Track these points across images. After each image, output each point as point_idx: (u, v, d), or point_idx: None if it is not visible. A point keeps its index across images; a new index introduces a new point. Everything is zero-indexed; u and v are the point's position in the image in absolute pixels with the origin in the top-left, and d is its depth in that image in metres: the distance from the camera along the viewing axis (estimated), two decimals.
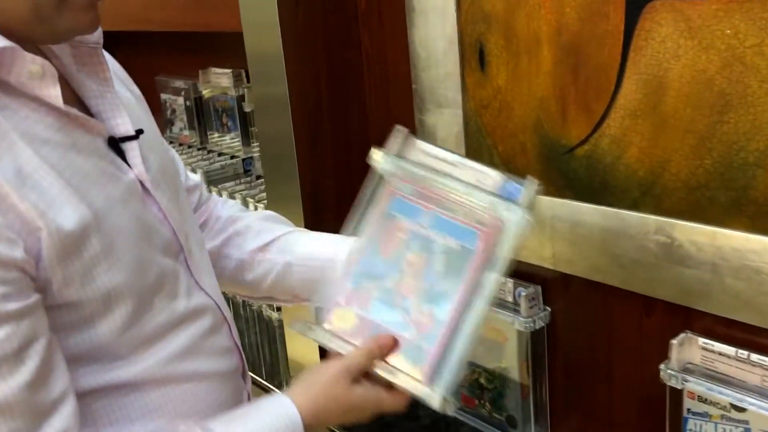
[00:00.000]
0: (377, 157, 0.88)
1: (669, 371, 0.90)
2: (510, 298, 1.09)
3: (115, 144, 0.76)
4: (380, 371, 0.80)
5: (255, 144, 1.89)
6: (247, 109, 1.85)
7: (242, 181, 1.84)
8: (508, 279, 1.08)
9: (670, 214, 0.89)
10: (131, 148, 0.78)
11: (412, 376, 0.79)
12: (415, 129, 1.18)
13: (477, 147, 1.10)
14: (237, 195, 1.72)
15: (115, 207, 0.72)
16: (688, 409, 0.90)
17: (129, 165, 0.77)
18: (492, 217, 0.81)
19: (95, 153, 0.73)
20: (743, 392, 0.85)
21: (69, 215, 0.67)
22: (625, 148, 0.91)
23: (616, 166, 0.93)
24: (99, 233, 0.70)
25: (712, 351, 0.89)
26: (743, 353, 0.86)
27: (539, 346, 1.10)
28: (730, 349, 0.87)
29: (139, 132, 0.79)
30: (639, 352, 1.00)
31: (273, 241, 0.98)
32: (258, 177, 1.85)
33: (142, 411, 0.76)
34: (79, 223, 0.68)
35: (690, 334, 0.91)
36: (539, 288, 1.07)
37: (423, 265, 0.83)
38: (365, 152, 1.31)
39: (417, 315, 0.82)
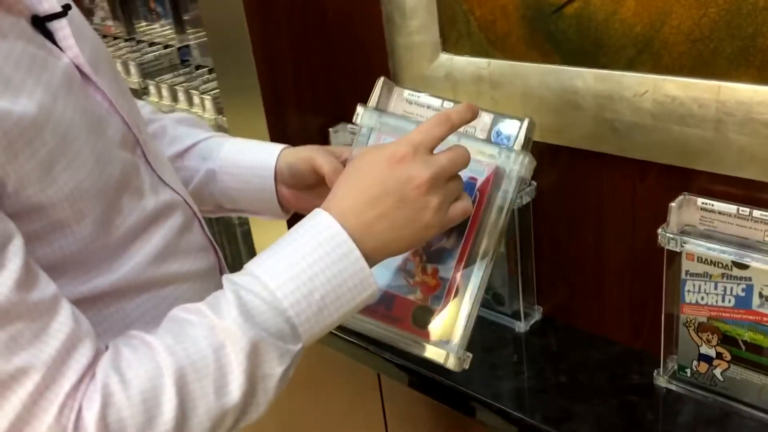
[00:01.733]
0: (359, 111, 0.83)
1: (668, 234, 0.88)
2: None
3: (41, 24, 0.66)
4: (389, 339, 0.79)
5: (191, 31, 1.75)
6: None
7: (180, 72, 1.71)
8: None
9: (670, 72, 0.84)
10: (60, 28, 0.68)
11: (423, 339, 0.77)
12: (380, 0, 1.08)
13: (451, 14, 1.02)
14: (179, 88, 1.60)
15: (58, 97, 0.63)
16: (687, 271, 0.89)
17: (60, 48, 0.67)
18: (488, 166, 0.76)
19: (21, 36, 0.63)
20: (745, 249, 0.84)
21: (7, 108, 0.58)
22: (621, 1, 0.85)
23: (611, 23, 0.87)
24: (49, 126, 0.61)
25: (712, 211, 0.87)
26: (745, 210, 0.84)
27: (525, 222, 1.06)
28: (731, 207, 0.85)
29: (67, 8, 0.69)
30: (632, 219, 0.97)
31: (193, 146, 0.91)
32: (198, 67, 1.72)
33: (124, 322, 0.70)
34: (21, 116, 0.58)
35: (688, 196, 0.88)
36: None
37: None
38: (325, 33, 1.22)
39: (421, 276, 0.80)
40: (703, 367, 0.93)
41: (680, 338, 0.93)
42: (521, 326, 1.12)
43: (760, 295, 0.84)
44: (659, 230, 0.89)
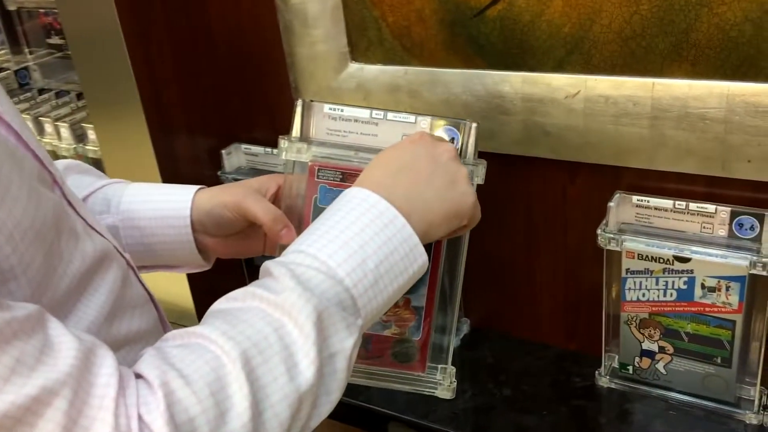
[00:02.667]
0: (282, 146, 0.77)
1: (608, 234, 0.87)
2: None
3: None
4: (375, 380, 0.75)
5: (28, 50, 1.56)
6: (10, 6, 1.51)
7: (21, 98, 1.52)
8: None
9: (602, 71, 0.83)
10: None
11: (408, 372, 0.74)
12: (276, 8, 1.00)
13: (359, 21, 0.96)
14: (24, 116, 1.41)
15: None
16: (627, 269, 0.89)
17: None
18: None
19: None
20: (685, 242, 0.85)
21: None
22: (547, 2, 0.83)
23: (537, 24, 0.85)
24: None
25: (648, 207, 0.87)
26: (681, 204, 0.85)
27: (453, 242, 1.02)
28: (666, 202, 0.86)
29: None
30: (563, 221, 0.96)
31: (86, 198, 0.79)
32: (41, 90, 1.53)
33: None
34: None
35: (623, 194, 0.88)
36: None
37: None
38: (213, 48, 1.11)
39: (393, 310, 0.75)
40: (646, 362, 0.94)
41: (621, 336, 0.93)
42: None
43: (702, 286, 0.85)
44: (599, 230, 0.88)
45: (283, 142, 0.77)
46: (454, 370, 0.77)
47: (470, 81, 0.91)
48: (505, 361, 1.04)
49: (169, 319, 1.21)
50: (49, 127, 1.37)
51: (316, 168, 0.77)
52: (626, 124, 0.84)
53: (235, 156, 1.16)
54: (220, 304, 0.56)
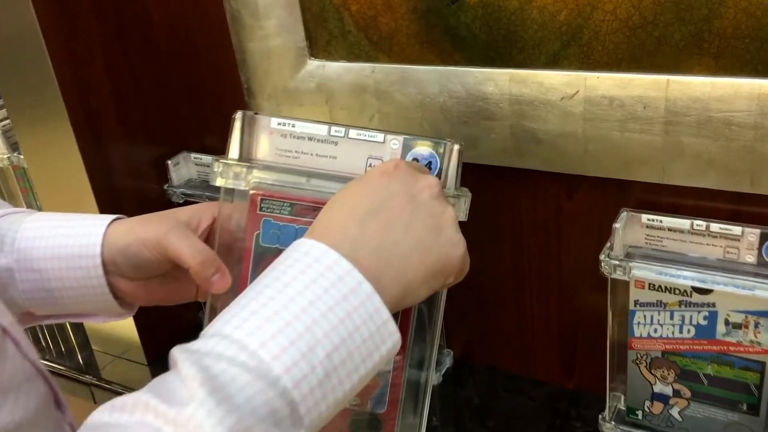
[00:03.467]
0: (216, 169, 0.62)
1: (613, 261, 0.73)
2: None
3: None
4: None
5: None
6: None
7: None
8: None
9: (605, 67, 0.70)
10: None
11: None
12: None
13: (318, 11, 0.81)
14: None
15: None
16: (636, 301, 0.75)
17: None
18: None
19: None
20: (706, 271, 0.71)
21: None
22: None
23: (527, 12, 0.71)
24: None
25: (660, 228, 0.74)
26: (700, 224, 0.71)
27: None
28: (683, 222, 0.72)
29: None
30: (557, 242, 0.83)
31: None
32: None
33: None
34: None
35: (630, 212, 0.74)
36: None
37: None
38: (153, 45, 0.96)
39: None
40: (658, 407, 0.80)
41: (630, 377, 0.80)
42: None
43: (726, 322, 0.72)
44: (602, 256, 0.74)
45: (217, 165, 0.62)
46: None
47: (448, 80, 0.77)
48: (492, 400, 0.91)
49: (113, 352, 1.08)
50: None
51: (259, 198, 0.62)
52: (635, 131, 0.70)
53: (184, 167, 1.02)
54: (102, 414, 0.41)
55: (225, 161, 0.62)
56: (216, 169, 0.63)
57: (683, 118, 0.67)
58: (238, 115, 0.63)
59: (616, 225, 0.73)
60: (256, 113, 0.64)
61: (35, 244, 0.64)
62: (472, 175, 0.82)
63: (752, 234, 0.70)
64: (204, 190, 0.99)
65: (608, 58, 0.69)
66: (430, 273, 0.50)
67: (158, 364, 1.03)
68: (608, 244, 0.75)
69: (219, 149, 1.00)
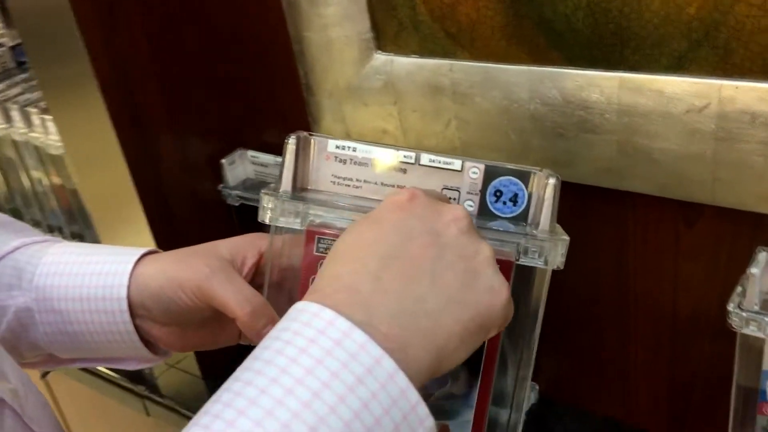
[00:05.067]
0: (268, 205, 0.52)
1: (745, 313, 0.59)
2: None
3: None
4: None
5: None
6: None
7: (17, 79, 1.30)
8: None
9: (746, 74, 0.54)
10: None
11: None
12: None
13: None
14: (10, 104, 1.19)
15: None
16: None
17: None
18: (498, 258, 0.45)
19: None
20: None
21: None
22: None
23: (645, 2, 0.55)
24: None
25: None
26: None
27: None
28: None
29: None
30: (673, 278, 0.68)
31: None
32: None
33: None
34: None
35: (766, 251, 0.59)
36: None
37: None
38: (204, 31, 0.85)
39: None
40: None
41: None
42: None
43: None
44: (730, 307, 0.60)
45: (267, 199, 0.52)
46: None
47: (541, 82, 0.63)
48: None
49: (168, 361, 1.01)
50: (36, 120, 1.15)
51: (316, 237, 0.52)
52: None
53: (240, 166, 0.91)
54: None
55: (276, 195, 0.52)
56: (266, 205, 0.52)
57: None
58: (291, 139, 0.52)
59: (753, 270, 0.59)
60: (311, 134, 0.53)
61: (55, 282, 0.56)
62: (566, 194, 0.68)
63: None
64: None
65: (752, 63, 0.53)
66: (468, 332, 0.39)
67: (214, 378, 0.95)
68: (738, 289, 0.61)
69: (277, 147, 0.90)
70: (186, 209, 0.90)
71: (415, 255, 0.39)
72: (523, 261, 0.49)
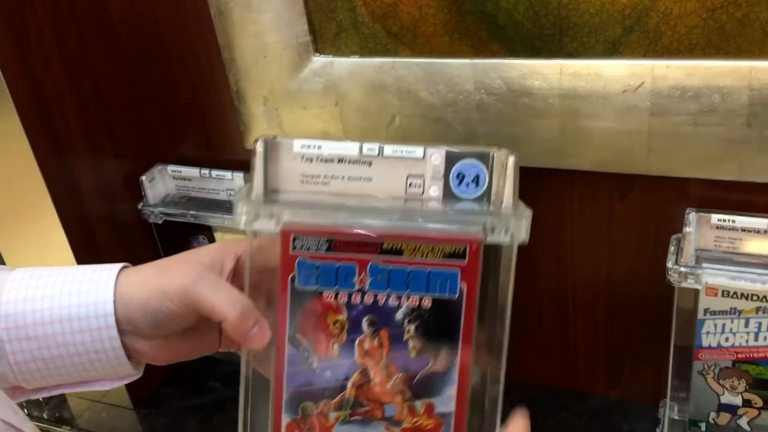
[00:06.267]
0: (242, 211, 0.52)
1: (684, 268, 0.66)
2: None
3: None
4: None
5: None
6: None
7: None
8: None
9: (674, 54, 0.61)
10: None
11: None
12: None
13: (324, 1, 0.70)
14: None
15: None
16: (706, 310, 0.68)
17: None
18: (467, 239, 0.50)
19: None
20: None
21: None
22: None
23: None
24: None
25: (732, 228, 0.67)
26: None
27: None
28: (760, 222, 0.65)
29: None
30: (608, 247, 0.75)
31: None
32: None
33: None
34: None
35: (699, 213, 0.67)
36: None
37: (387, 349, 0.54)
38: (120, 46, 0.82)
39: (411, 420, 0.55)
40: (724, 418, 0.74)
41: (693, 388, 0.73)
42: None
43: None
44: (669, 263, 0.67)
45: (241, 206, 0.52)
46: None
47: (486, 74, 0.67)
48: (535, 419, 0.83)
49: (90, 396, 0.95)
50: None
51: (291, 236, 0.52)
52: (711, 124, 0.62)
53: (160, 182, 0.89)
54: None
55: (250, 201, 0.52)
56: (240, 210, 0.52)
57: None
58: (259, 143, 0.52)
59: (688, 229, 0.66)
60: (275, 137, 0.53)
61: (28, 308, 0.52)
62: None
63: None
64: (185, 207, 0.87)
65: (679, 44, 0.60)
66: None
67: (145, 405, 0.91)
68: (672, 249, 0.68)
69: (198, 160, 0.88)
70: (108, 232, 0.86)
71: None
72: (491, 239, 0.52)
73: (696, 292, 0.67)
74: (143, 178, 0.87)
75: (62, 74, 0.77)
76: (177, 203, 0.89)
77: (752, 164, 0.63)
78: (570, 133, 0.67)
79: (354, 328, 0.54)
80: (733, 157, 0.63)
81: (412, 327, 0.54)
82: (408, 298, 0.53)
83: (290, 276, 0.53)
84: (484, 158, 0.52)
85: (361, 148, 0.52)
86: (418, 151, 0.52)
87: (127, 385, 0.89)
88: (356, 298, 0.53)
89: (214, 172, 0.86)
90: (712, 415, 0.74)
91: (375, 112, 0.72)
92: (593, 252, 0.75)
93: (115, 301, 0.52)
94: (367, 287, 0.53)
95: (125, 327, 0.53)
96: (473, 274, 0.52)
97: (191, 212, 0.86)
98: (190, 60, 0.81)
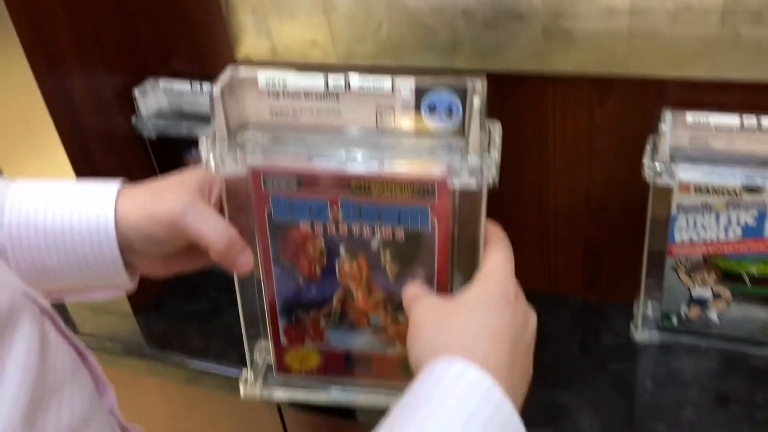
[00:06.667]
0: (209, 157, 0.55)
1: (658, 164, 0.69)
2: None
3: None
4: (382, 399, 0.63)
5: None
6: None
7: None
8: None
9: None
10: None
11: None
12: None
13: None
14: None
15: None
16: (679, 205, 0.72)
17: None
18: (433, 179, 0.53)
19: None
20: (758, 168, 0.68)
21: None
22: None
23: None
24: None
25: (706, 127, 0.69)
26: (752, 120, 0.67)
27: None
28: (732, 119, 0.68)
29: None
30: (588, 152, 0.78)
31: None
32: None
33: None
34: None
35: (674, 111, 0.70)
36: None
37: (366, 273, 0.58)
38: None
39: (394, 327, 0.61)
40: (695, 311, 0.78)
41: (666, 284, 0.77)
42: None
43: None
44: (645, 160, 0.70)
45: (207, 151, 0.54)
46: None
47: None
48: None
49: (92, 306, 0.98)
50: None
51: (261, 175, 0.55)
52: (688, 22, 0.64)
53: (152, 95, 0.90)
54: None
55: (213, 143, 0.54)
56: (207, 157, 0.54)
57: (742, 6, 0.62)
58: (216, 89, 0.52)
59: (664, 128, 0.69)
60: (236, 76, 0.54)
61: (31, 218, 0.55)
62: (494, 86, 0.76)
63: None
64: (179, 119, 0.89)
65: None
66: (524, 392, 0.52)
67: (146, 312, 0.94)
68: (649, 146, 0.71)
69: (191, 72, 0.90)
70: (103, 145, 0.88)
71: (515, 339, 0.50)
72: (457, 184, 0.52)
73: (669, 191, 0.71)
74: (136, 90, 0.88)
75: None
76: (170, 116, 0.90)
77: (725, 61, 0.65)
78: (553, 34, 0.69)
79: (333, 253, 0.57)
80: (708, 55, 0.65)
81: (388, 254, 0.57)
82: (381, 230, 0.55)
83: (266, 209, 0.56)
84: (456, 89, 0.52)
85: (327, 83, 0.53)
86: (386, 83, 0.52)
87: (128, 295, 0.93)
88: (331, 229, 0.56)
89: (206, 88, 0.87)
90: (684, 308, 0.78)
91: (362, 20, 0.74)
92: (574, 158, 0.78)
93: (116, 220, 0.55)
94: (340, 219, 0.55)
95: (122, 243, 0.56)
96: (444, 208, 0.54)
97: (185, 122, 0.88)
98: None
